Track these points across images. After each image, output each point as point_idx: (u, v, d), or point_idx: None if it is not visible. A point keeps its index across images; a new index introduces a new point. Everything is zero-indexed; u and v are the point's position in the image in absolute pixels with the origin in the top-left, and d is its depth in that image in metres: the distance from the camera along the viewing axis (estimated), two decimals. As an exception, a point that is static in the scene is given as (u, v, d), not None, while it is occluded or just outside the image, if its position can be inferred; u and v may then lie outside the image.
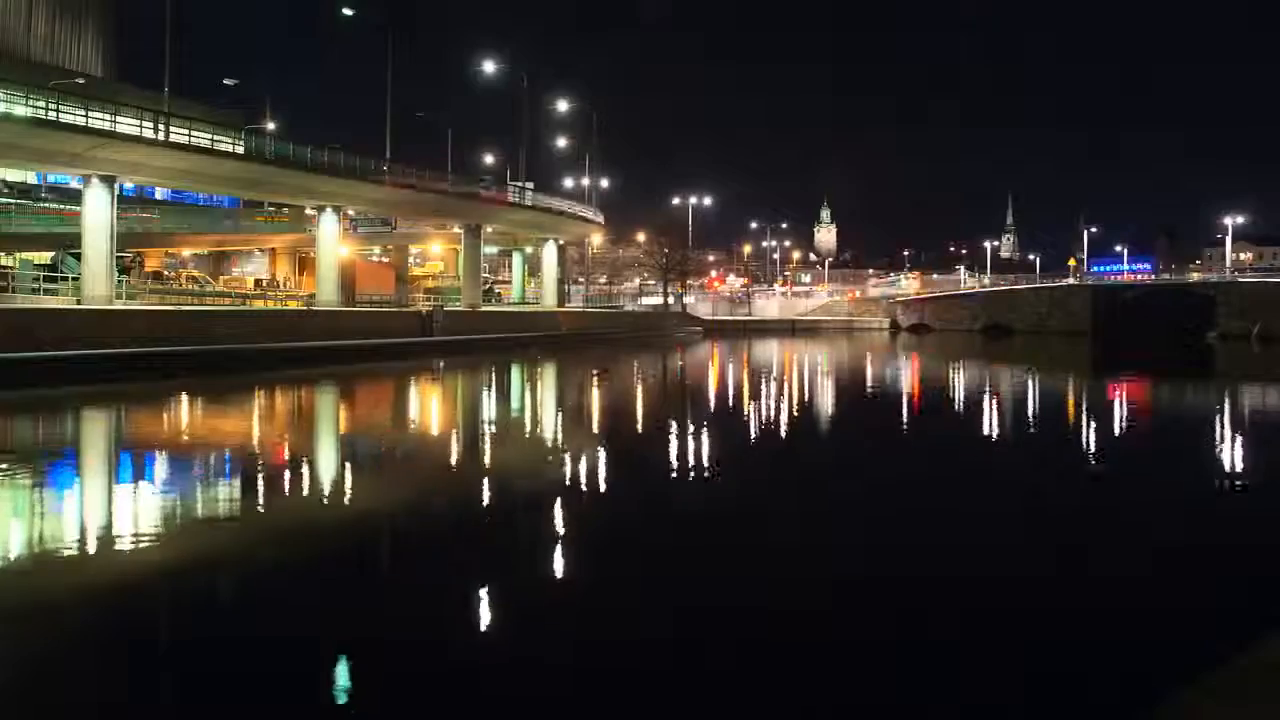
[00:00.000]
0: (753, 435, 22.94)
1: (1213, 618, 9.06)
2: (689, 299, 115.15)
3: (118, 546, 11.59)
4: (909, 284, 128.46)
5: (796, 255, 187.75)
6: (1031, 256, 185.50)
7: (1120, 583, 10.24)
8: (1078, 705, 7.18)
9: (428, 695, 7.24)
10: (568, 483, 15.78)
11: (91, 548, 11.52)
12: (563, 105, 75.91)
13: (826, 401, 32.52)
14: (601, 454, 18.89)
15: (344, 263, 60.18)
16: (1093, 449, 20.84)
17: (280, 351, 41.75)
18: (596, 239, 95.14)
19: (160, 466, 17.50)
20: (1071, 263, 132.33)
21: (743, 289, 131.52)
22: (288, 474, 16.93)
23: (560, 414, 28.17)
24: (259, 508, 13.93)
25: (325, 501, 14.57)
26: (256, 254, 78.81)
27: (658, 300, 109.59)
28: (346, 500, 14.86)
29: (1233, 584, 10.28)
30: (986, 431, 24.08)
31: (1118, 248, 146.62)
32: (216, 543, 11.89)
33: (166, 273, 71.31)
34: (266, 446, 20.83)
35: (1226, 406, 31.16)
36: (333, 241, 57.08)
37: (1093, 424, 25.89)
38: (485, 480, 16.32)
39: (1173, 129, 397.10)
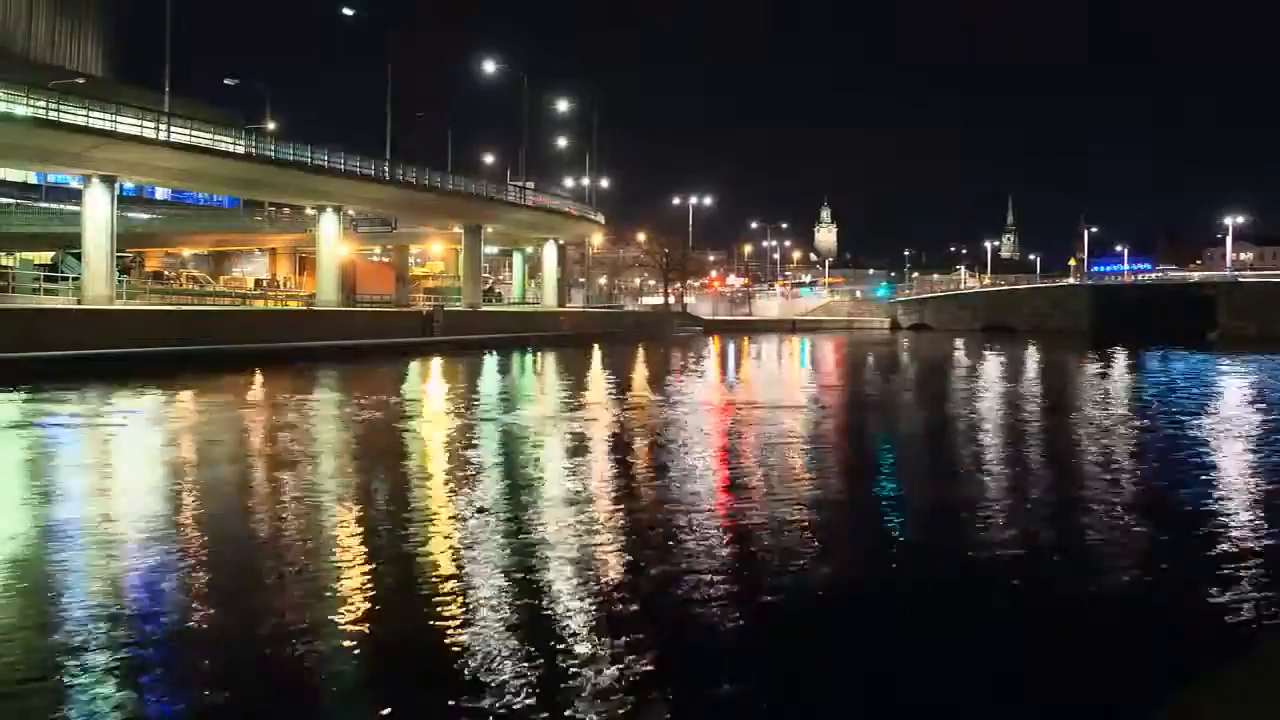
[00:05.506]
0: (753, 433, 22.91)
1: (1212, 617, 9.06)
2: (689, 299, 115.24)
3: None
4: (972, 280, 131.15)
5: (797, 255, 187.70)
6: (1031, 256, 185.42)
7: (1119, 581, 10.25)
8: (1077, 705, 7.18)
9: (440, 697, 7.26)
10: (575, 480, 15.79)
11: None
12: (563, 104, 76.00)
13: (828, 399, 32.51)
14: (603, 450, 18.91)
15: (344, 263, 60.21)
16: (1094, 448, 20.80)
17: (281, 352, 41.76)
18: (597, 239, 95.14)
19: (168, 467, 17.51)
20: (1072, 262, 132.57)
21: (743, 289, 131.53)
22: (293, 476, 16.95)
23: (560, 412, 28.13)
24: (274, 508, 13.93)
25: (336, 501, 14.58)
26: (257, 254, 78.94)
27: (658, 300, 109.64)
28: (356, 499, 14.85)
29: (1233, 583, 10.28)
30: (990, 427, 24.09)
31: (1118, 248, 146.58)
32: (218, 545, 11.89)
33: (167, 273, 71.45)
34: (274, 447, 20.84)
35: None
36: (333, 241, 57.10)
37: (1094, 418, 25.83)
38: (491, 479, 16.33)
39: (1172, 129, 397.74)
